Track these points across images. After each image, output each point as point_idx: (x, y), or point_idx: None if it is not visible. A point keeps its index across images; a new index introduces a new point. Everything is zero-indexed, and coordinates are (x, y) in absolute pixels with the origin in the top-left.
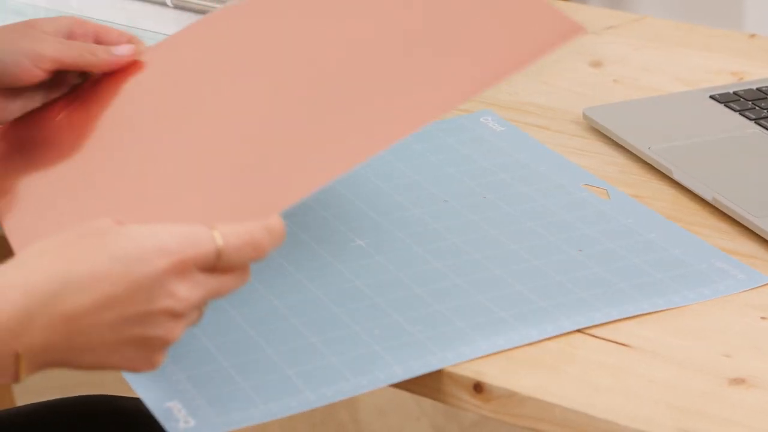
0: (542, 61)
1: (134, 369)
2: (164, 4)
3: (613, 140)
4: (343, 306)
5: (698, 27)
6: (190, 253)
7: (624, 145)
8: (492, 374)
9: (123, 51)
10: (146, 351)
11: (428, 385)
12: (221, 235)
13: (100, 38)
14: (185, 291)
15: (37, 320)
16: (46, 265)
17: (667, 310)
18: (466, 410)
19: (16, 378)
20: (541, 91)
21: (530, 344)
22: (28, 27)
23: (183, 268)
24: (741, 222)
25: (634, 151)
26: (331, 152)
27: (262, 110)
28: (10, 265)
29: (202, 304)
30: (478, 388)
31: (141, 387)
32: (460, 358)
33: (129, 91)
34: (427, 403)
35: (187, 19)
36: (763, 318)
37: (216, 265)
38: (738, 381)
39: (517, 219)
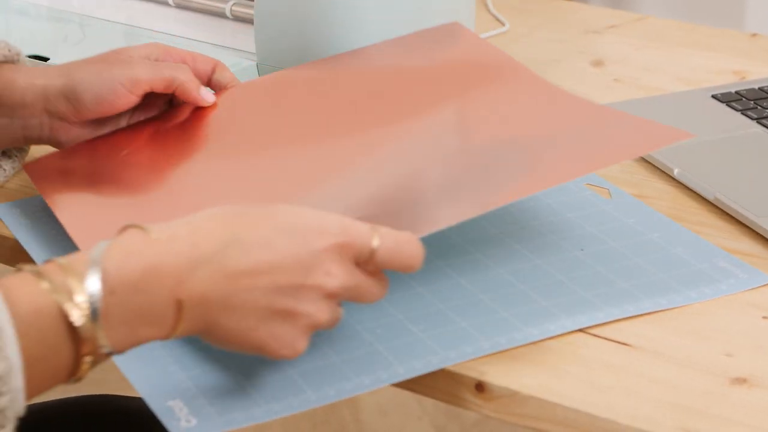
0: (544, 61)
1: (276, 349)
2: (166, 3)
3: None
4: (344, 305)
5: (700, 26)
6: (349, 240)
7: None
8: (494, 374)
9: (209, 97)
10: (292, 327)
11: (430, 385)
12: (380, 235)
13: (187, 65)
14: (339, 273)
15: (200, 272)
16: (213, 227)
17: (668, 309)
18: (467, 410)
19: (174, 328)
20: None
21: (532, 344)
22: (118, 54)
23: (341, 252)
24: (743, 221)
25: None
26: (468, 196)
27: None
28: (179, 222)
29: (347, 296)
30: (479, 387)
31: (143, 386)
32: (462, 357)
33: (222, 120)
34: (428, 402)
35: (189, 18)
36: (764, 317)
37: (368, 261)
38: (740, 380)
39: (520, 218)
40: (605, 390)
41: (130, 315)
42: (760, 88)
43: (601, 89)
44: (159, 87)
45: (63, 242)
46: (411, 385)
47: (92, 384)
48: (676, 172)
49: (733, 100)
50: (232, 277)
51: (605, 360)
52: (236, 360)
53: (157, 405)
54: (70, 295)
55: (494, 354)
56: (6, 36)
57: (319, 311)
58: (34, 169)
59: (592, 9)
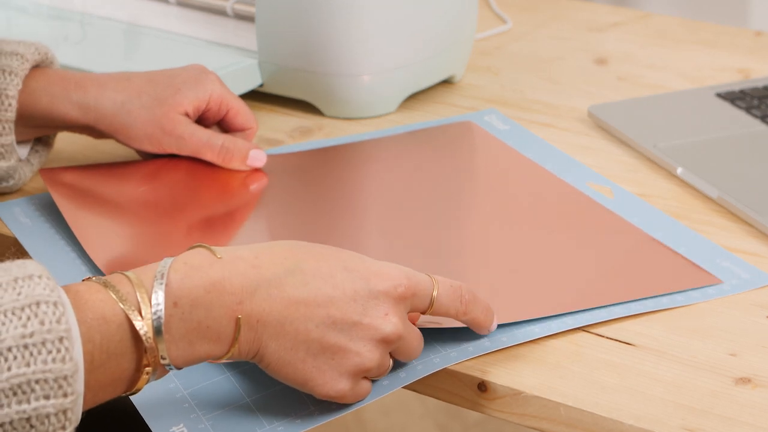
0: (547, 59)
1: (320, 385)
2: (167, 2)
3: (618, 138)
4: None
5: (704, 24)
6: (412, 286)
7: (629, 143)
8: (496, 373)
9: (257, 161)
10: (339, 365)
11: (433, 385)
12: (438, 283)
13: (228, 118)
14: (396, 318)
15: (260, 294)
16: (278, 253)
17: (672, 308)
18: (470, 409)
19: (230, 347)
20: (545, 88)
21: (535, 343)
22: (171, 109)
23: (401, 298)
24: (746, 220)
25: (639, 149)
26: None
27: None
28: (245, 246)
29: (396, 345)
30: (482, 387)
31: (146, 412)
32: (463, 356)
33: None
34: (430, 401)
35: (190, 16)
36: None
37: (428, 308)
38: (744, 380)
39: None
40: (608, 390)
41: (191, 329)
42: (765, 87)
43: (605, 87)
44: (207, 156)
45: (63, 242)
46: (413, 384)
47: None
48: (679, 171)
49: (737, 98)
50: (289, 304)
51: (608, 360)
52: (239, 380)
53: (160, 430)
54: (136, 305)
55: (497, 354)
56: (6, 34)
57: (370, 353)
58: (49, 176)
59: (596, 6)
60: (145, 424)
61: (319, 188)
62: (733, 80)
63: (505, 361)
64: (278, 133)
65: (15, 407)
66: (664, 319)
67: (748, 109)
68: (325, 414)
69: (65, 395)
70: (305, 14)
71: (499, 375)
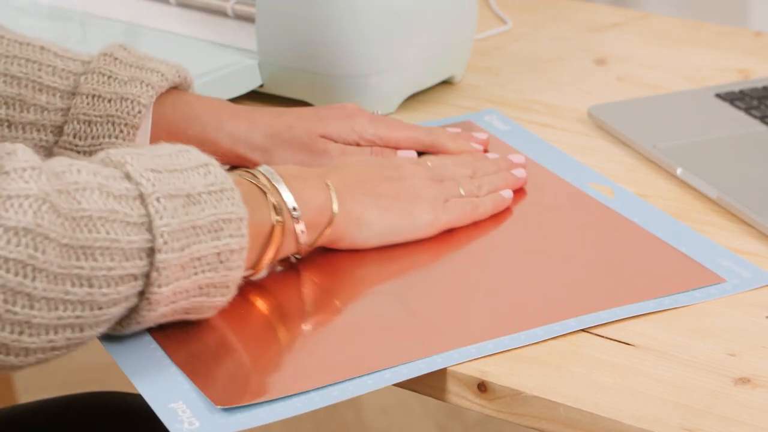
0: (546, 59)
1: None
2: (167, 2)
3: (617, 138)
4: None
5: (704, 24)
6: None
7: (629, 143)
8: (496, 373)
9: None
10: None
11: (432, 385)
12: None
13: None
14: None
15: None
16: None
17: (672, 309)
18: (470, 410)
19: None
20: (545, 89)
21: (535, 343)
22: (320, 145)
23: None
24: (746, 221)
25: (638, 149)
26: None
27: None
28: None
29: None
30: (482, 387)
31: (145, 388)
32: (466, 357)
33: None
34: (430, 401)
35: (190, 16)
36: None
37: None
38: (743, 380)
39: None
40: (608, 390)
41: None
42: (764, 87)
43: (605, 87)
44: None
45: None
46: (413, 385)
47: (93, 382)
48: (679, 171)
49: (737, 99)
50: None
51: (608, 360)
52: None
53: (159, 407)
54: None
55: (497, 354)
56: None
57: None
58: None
59: (596, 7)
60: (148, 421)
61: None
62: (732, 81)
63: (504, 362)
64: None
65: (212, 243)
66: (664, 320)
67: (748, 110)
68: (325, 399)
69: (242, 236)
70: (305, 15)
71: (499, 375)
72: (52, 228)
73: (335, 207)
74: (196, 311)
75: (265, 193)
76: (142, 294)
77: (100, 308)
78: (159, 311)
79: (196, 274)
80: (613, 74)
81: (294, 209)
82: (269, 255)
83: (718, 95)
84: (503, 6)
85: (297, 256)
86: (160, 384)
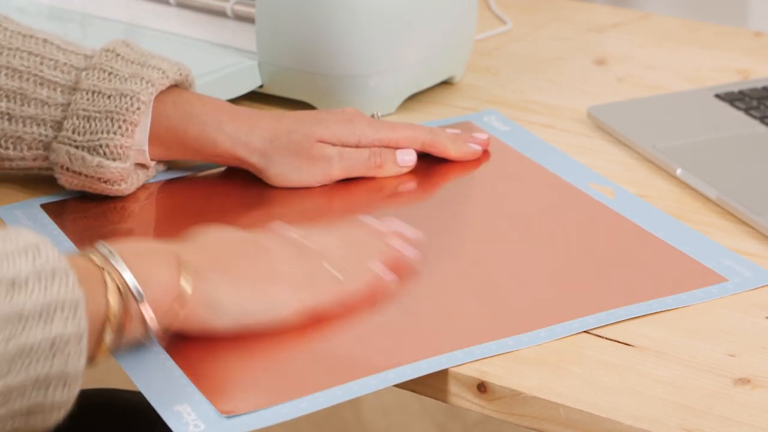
0: (546, 59)
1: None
2: (167, 3)
3: (617, 139)
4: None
5: (703, 25)
6: None
7: (628, 144)
8: (496, 374)
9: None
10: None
11: (432, 385)
12: None
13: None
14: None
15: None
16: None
17: (672, 309)
18: (470, 410)
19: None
20: (545, 89)
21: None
22: (318, 150)
23: None
24: (745, 221)
25: (638, 150)
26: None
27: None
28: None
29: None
30: (482, 387)
31: (149, 391)
32: (470, 357)
33: None
34: (429, 401)
35: (190, 17)
36: None
37: None
38: (743, 381)
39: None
40: (608, 390)
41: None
42: (764, 88)
43: (604, 88)
44: (358, 171)
45: (65, 244)
46: (413, 385)
47: (93, 380)
48: (678, 172)
49: (736, 99)
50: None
51: (608, 360)
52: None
53: (164, 410)
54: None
55: (496, 354)
56: None
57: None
58: (55, 210)
59: (595, 7)
60: (149, 418)
61: (318, 188)
62: (732, 81)
63: (504, 362)
64: None
65: (42, 330)
66: (664, 320)
67: (747, 110)
68: (329, 400)
69: (78, 322)
70: (305, 15)
71: (499, 375)
72: None
73: (188, 288)
74: (40, 413)
75: (103, 273)
76: None
77: None
78: None
79: (27, 366)
80: (613, 74)
81: (136, 290)
82: (107, 341)
83: (718, 95)
84: (503, 6)
85: (157, 340)
86: (165, 386)
